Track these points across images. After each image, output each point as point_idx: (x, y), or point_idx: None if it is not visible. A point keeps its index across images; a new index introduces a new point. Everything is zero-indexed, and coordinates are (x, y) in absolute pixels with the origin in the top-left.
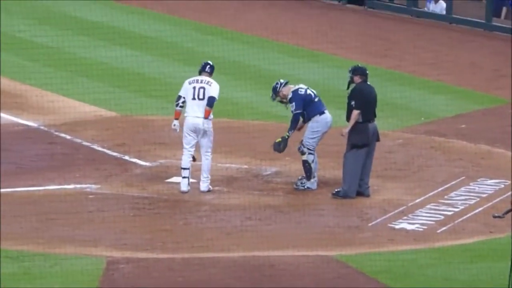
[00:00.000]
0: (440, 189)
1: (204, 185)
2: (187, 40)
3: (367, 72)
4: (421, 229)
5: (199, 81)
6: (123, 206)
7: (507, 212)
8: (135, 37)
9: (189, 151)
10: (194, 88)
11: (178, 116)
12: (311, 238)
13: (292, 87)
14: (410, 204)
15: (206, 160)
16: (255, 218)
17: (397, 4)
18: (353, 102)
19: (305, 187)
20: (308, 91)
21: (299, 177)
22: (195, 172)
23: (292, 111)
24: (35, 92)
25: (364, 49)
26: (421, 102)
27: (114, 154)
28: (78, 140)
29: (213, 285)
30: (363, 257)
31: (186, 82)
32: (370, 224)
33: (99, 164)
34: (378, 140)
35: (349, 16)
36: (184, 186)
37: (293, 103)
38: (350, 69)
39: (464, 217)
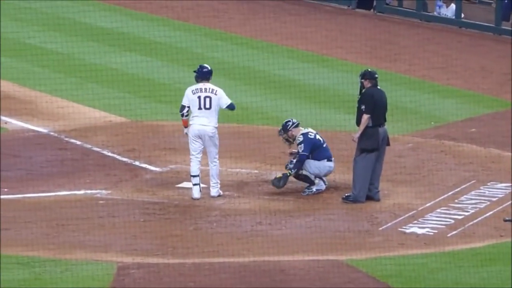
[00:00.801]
0: (450, 193)
1: (214, 190)
2: (196, 46)
3: (377, 76)
4: (432, 233)
5: (203, 90)
6: (134, 211)
7: None
8: (145, 43)
9: (197, 157)
10: (199, 98)
11: (186, 124)
12: (321, 243)
13: (302, 130)
14: (420, 208)
15: (214, 166)
16: (265, 223)
17: (406, 8)
18: (363, 107)
19: (314, 190)
20: (317, 136)
21: (304, 188)
22: (205, 178)
23: (299, 152)
24: (45, 98)
25: (373, 53)
26: (431, 106)
27: (124, 159)
28: (88, 146)
29: None
30: (374, 261)
31: (189, 91)
32: (380, 229)
33: (109, 170)
34: (388, 144)
35: (358, 20)
36: (196, 193)
37: (302, 145)
38: (360, 74)
39: (475, 221)
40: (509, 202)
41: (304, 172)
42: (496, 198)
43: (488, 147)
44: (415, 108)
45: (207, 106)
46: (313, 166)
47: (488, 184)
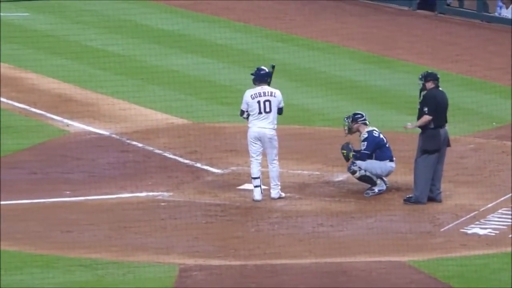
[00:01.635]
0: None
1: (274, 192)
2: (257, 47)
3: (439, 77)
4: (493, 234)
5: (262, 94)
6: (195, 213)
7: None
8: (206, 45)
9: (257, 159)
10: (259, 102)
11: None
12: (383, 244)
13: (366, 127)
14: (482, 209)
15: (274, 168)
16: (326, 224)
17: (467, 9)
18: (425, 108)
19: (376, 191)
20: (381, 136)
21: (366, 189)
22: (266, 179)
23: (362, 150)
24: (107, 100)
25: (434, 54)
26: (492, 107)
27: (186, 161)
28: (150, 148)
29: None
30: (436, 262)
31: (248, 96)
32: (442, 230)
33: (171, 172)
34: (448, 145)
35: (419, 21)
36: (257, 195)
37: (366, 143)
38: (420, 76)
39: None
40: None
41: (367, 173)
42: None
43: None
44: (477, 109)
45: (267, 110)
46: (376, 166)
47: None
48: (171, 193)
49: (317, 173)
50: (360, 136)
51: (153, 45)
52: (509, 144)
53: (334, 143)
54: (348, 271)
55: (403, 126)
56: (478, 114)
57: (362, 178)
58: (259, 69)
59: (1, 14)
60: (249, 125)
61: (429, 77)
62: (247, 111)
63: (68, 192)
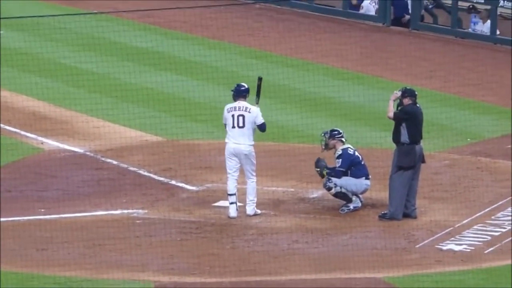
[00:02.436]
0: (487, 210)
1: (250, 209)
2: (231, 64)
3: (416, 93)
4: (469, 250)
5: (237, 109)
6: (170, 230)
7: None
8: (180, 62)
9: (233, 176)
10: (233, 116)
11: None
12: (358, 261)
13: (342, 144)
14: (457, 225)
15: (250, 184)
16: (302, 241)
17: (441, 25)
18: (403, 124)
19: (351, 208)
20: (356, 153)
21: (342, 206)
22: (241, 196)
23: (336, 167)
24: (81, 118)
25: (409, 70)
26: (466, 123)
27: (161, 178)
28: (125, 165)
29: None
30: (411, 278)
31: (225, 109)
32: (417, 246)
33: (146, 189)
34: (423, 161)
35: (393, 37)
36: (232, 212)
37: (340, 160)
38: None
39: None
40: None
41: (342, 190)
42: None
43: None
44: (451, 124)
45: (240, 124)
46: (351, 183)
47: None
48: (146, 211)
49: (292, 189)
50: (335, 153)
51: (127, 63)
52: (483, 160)
53: (309, 159)
54: None
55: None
56: (452, 130)
57: (338, 195)
58: (238, 85)
59: None
60: (226, 140)
61: (406, 93)
62: (225, 124)
63: (42, 210)
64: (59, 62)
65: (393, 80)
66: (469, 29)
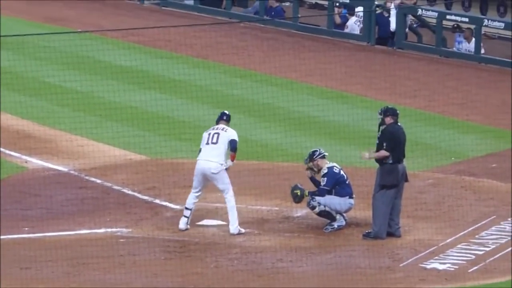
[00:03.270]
0: (471, 229)
1: (232, 227)
2: (216, 83)
3: (398, 112)
4: (453, 269)
5: (215, 128)
6: (154, 249)
7: None
8: (164, 81)
9: (194, 192)
10: (209, 134)
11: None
12: (342, 279)
13: (328, 163)
14: (441, 244)
15: (228, 202)
16: (286, 260)
17: (425, 44)
18: (385, 144)
19: (336, 226)
20: (342, 172)
21: (326, 224)
22: (225, 215)
23: (321, 185)
24: (65, 136)
25: (393, 89)
26: (451, 142)
27: (145, 197)
28: (109, 184)
29: None
30: None
31: (204, 132)
32: (401, 265)
33: (130, 208)
34: (406, 180)
35: (378, 56)
36: (181, 225)
37: (326, 179)
38: (380, 110)
39: (496, 256)
40: None
41: (326, 208)
42: None
43: (508, 183)
44: (435, 144)
45: (214, 140)
46: (335, 202)
47: (509, 219)
48: (130, 229)
49: (276, 208)
50: (320, 171)
51: (111, 81)
52: (467, 179)
53: (293, 178)
54: None
55: (360, 154)
56: (436, 149)
57: (322, 214)
58: (222, 113)
59: None
60: (197, 158)
61: (388, 112)
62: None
63: (26, 229)
64: (43, 80)
65: (377, 99)
66: (454, 48)
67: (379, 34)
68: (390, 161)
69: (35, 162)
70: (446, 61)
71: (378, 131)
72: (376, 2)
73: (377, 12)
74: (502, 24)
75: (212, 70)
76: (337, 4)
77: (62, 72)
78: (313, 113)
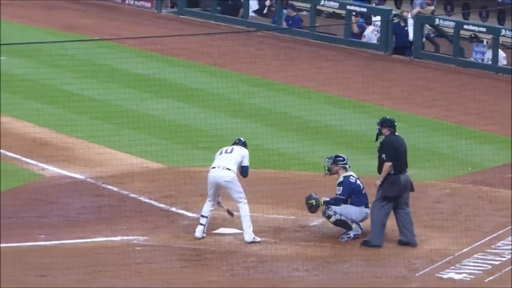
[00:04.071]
0: (487, 239)
1: (247, 236)
2: (233, 92)
3: (395, 124)
4: (469, 279)
5: (230, 146)
6: (171, 257)
7: None
8: (182, 89)
9: (209, 200)
10: (222, 148)
11: None
12: None
13: (344, 172)
14: (457, 253)
15: (241, 210)
16: (302, 269)
17: (443, 54)
18: (383, 155)
19: (352, 235)
20: (358, 182)
21: (342, 234)
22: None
23: (336, 194)
24: (82, 144)
25: (410, 99)
26: (467, 152)
27: (161, 205)
28: (125, 192)
29: None
30: None
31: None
32: (417, 274)
33: (146, 216)
34: (412, 190)
35: (395, 66)
36: (197, 233)
37: (341, 188)
38: (378, 121)
39: None
40: None
41: (342, 218)
42: None
43: None
44: (452, 153)
45: (228, 151)
46: (351, 211)
47: None
48: (146, 237)
49: (292, 217)
50: (336, 180)
51: (128, 89)
52: (484, 189)
53: (309, 187)
54: None
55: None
56: (453, 159)
57: (337, 223)
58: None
59: None
60: (210, 167)
61: (385, 123)
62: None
63: (43, 236)
64: (61, 88)
65: (394, 109)
66: (471, 58)
67: (396, 43)
68: (392, 172)
69: (52, 169)
70: (464, 71)
71: (376, 140)
72: (393, 12)
73: (394, 21)
74: None
75: (229, 79)
76: (355, 13)
77: (79, 80)
78: (330, 122)
